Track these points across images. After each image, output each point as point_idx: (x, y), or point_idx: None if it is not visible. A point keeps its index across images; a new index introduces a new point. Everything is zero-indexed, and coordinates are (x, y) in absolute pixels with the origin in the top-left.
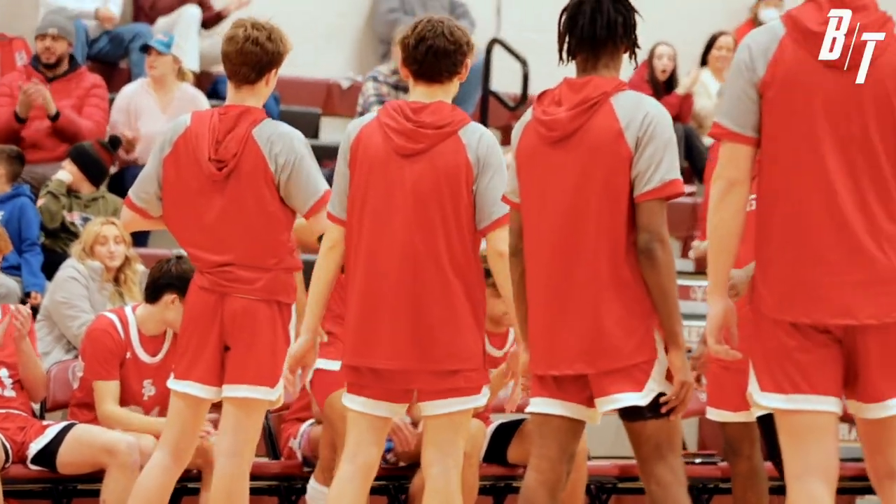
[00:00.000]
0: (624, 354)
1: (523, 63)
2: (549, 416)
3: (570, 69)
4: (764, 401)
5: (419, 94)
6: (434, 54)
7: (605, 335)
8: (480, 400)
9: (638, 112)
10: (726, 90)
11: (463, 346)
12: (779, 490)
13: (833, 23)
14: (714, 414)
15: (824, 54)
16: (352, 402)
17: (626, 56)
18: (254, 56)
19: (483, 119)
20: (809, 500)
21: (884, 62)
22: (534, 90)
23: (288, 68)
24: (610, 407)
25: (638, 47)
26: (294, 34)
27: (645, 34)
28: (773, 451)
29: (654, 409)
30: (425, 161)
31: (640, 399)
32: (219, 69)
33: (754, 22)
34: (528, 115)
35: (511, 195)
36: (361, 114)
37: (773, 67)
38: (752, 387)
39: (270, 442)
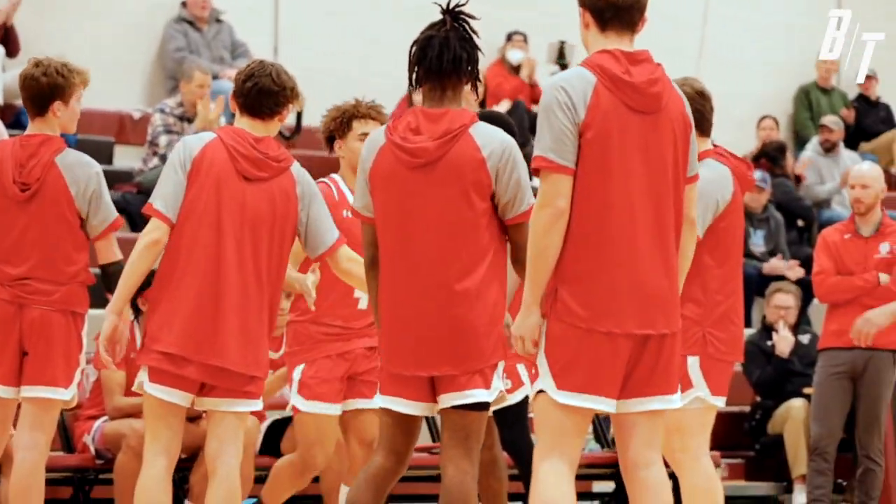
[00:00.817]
0: (485, 356)
1: None
2: (403, 414)
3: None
4: (561, 398)
5: (244, 124)
6: (258, 92)
7: (470, 339)
8: (258, 405)
9: (495, 143)
10: (545, 127)
11: (265, 356)
12: (515, 477)
13: (637, 72)
14: None
15: (635, 101)
16: (161, 392)
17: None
18: (35, 90)
19: None
20: (557, 475)
21: (672, 108)
22: (307, 122)
23: (85, 100)
24: (461, 402)
25: (479, 81)
26: (91, 69)
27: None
28: (509, 442)
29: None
30: (265, 188)
31: (489, 396)
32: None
33: (503, 62)
34: (377, 140)
35: (364, 210)
36: (151, 142)
37: (591, 111)
38: (547, 384)
39: (65, 437)
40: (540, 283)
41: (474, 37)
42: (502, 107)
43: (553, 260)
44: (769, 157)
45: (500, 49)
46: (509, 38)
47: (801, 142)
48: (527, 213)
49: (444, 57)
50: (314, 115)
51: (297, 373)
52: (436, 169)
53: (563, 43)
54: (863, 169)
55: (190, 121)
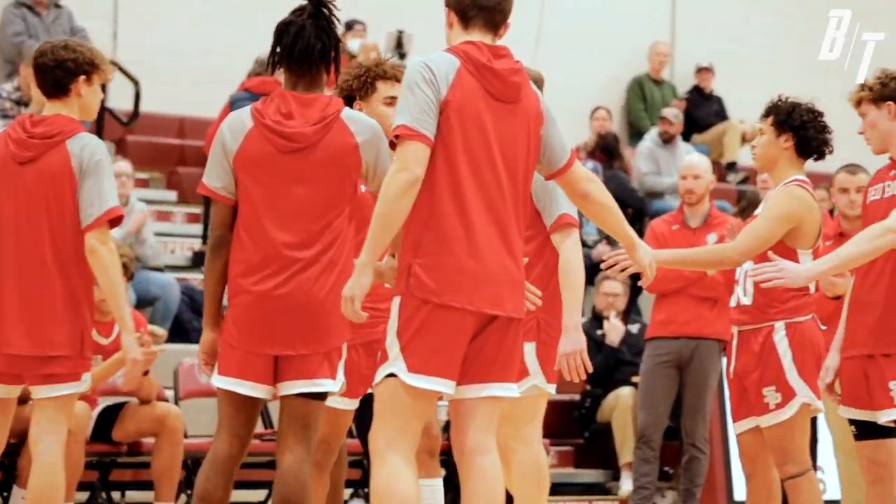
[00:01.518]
0: (334, 335)
1: (136, 83)
2: (246, 397)
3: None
4: (412, 381)
5: (45, 106)
6: (40, 69)
7: (320, 317)
8: (81, 386)
9: (367, 129)
10: (408, 99)
11: (63, 334)
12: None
13: (502, 63)
14: None
15: (495, 87)
16: None
17: None
18: None
19: (99, 132)
20: (405, 462)
21: (528, 102)
22: (145, 108)
23: None
24: (307, 390)
25: (338, 71)
26: None
27: None
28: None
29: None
30: (37, 168)
31: (334, 386)
32: None
33: (344, 51)
34: (243, 122)
35: (223, 191)
36: None
37: (453, 90)
38: (399, 367)
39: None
40: (380, 244)
41: (335, 23)
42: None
43: (397, 225)
44: (605, 148)
45: (341, 37)
46: (350, 27)
47: (634, 133)
48: None
49: (296, 45)
50: (155, 101)
51: None
52: (312, 153)
53: (401, 32)
54: (694, 160)
55: (27, 105)
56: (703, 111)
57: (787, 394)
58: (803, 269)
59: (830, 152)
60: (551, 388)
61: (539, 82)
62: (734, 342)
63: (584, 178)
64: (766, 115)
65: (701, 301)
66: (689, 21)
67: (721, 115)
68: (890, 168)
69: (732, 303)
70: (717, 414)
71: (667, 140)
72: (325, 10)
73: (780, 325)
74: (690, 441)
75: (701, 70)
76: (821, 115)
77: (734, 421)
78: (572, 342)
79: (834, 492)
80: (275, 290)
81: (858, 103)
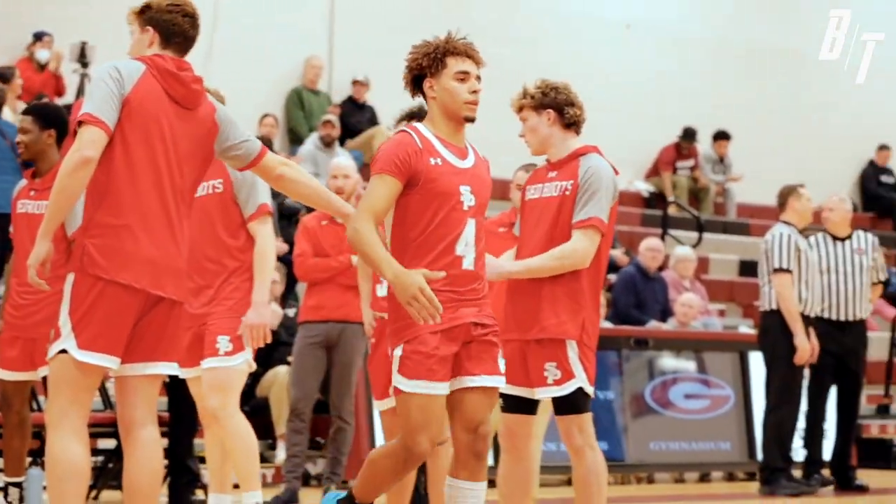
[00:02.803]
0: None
1: None
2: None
3: None
4: (82, 357)
5: None
6: None
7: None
8: None
9: (222, 110)
10: (94, 93)
11: None
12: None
13: (186, 74)
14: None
15: (177, 91)
16: None
17: None
18: None
19: None
20: (77, 434)
21: (204, 112)
22: None
23: None
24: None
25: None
26: None
27: None
28: None
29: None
30: None
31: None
32: None
33: (31, 59)
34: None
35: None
36: None
37: (136, 89)
38: (69, 343)
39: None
40: (56, 218)
41: None
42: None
43: (71, 200)
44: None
45: (28, 47)
46: (38, 37)
47: (295, 138)
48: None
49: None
50: None
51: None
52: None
53: (84, 44)
54: (342, 161)
55: None
56: (356, 119)
57: None
58: (496, 266)
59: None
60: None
61: (221, 99)
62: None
63: (276, 165)
64: (401, 120)
65: (348, 288)
66: (345, 37)
67: (373, 123)
68: (548, 169)
69: (381, 292)
70: (362, 390)
71: (328, 143)
72: None
73: None
74: (338, 414)
75: (356, 83)
76: None
77: (378, 399)
78: (258, 315)
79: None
80: None
81: (520, 109)
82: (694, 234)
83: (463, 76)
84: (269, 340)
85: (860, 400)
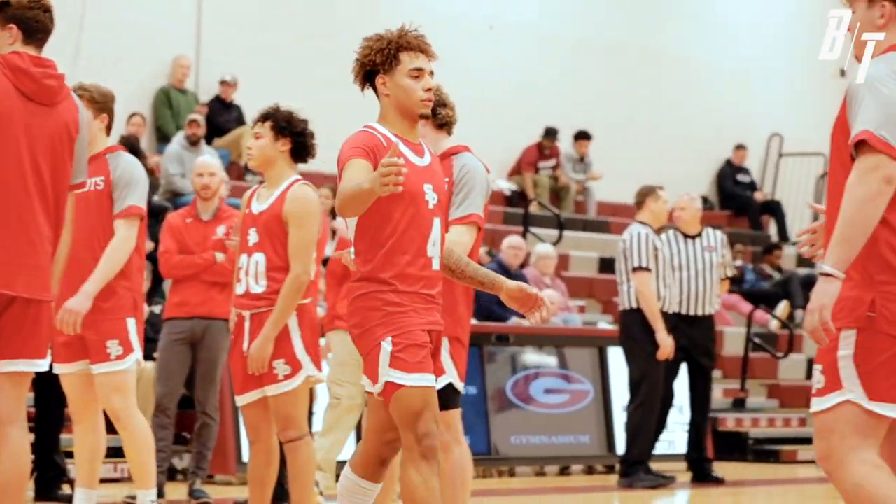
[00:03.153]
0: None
1: None
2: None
3: None
4: None
5: None
6: None
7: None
8: None
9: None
10: None
11: None
12: None
13: (38, 71)
14: None
15: (30, 89)
16: None
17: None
18: None
19: None
20: None
21: (65, 109)
22: None
23: None
24: None
25: None
26: None
27: None
28: None
29: None
30: None
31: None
32: None
33: None
34: None
35: None
36: None
37: None
38: None
39: None
40: None
41: None
42: None
43: None
44: (130, 150)
45: None
46: None
47: (162, 137)
48: None
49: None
50: None
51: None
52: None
53: None
54: (207, 159)
55: None
56: (223, 118)
57: (296, 367)
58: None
59: (314, 157)
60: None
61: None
62: (247, 324)
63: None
64: (264, 119)
65: (212, 285)
66: (213, 37)
67: (240, 122)
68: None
69: (240, 290)
70: (227, 386)
71: (194, 142)
72: None
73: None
74: (203, 409)
75: (223, 83)
76: (308, 122)
77: (238, 394)
78: (77, 304)
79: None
80: None
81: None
82: (555, 232)
83: (417, 73)
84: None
85: (710, 393)
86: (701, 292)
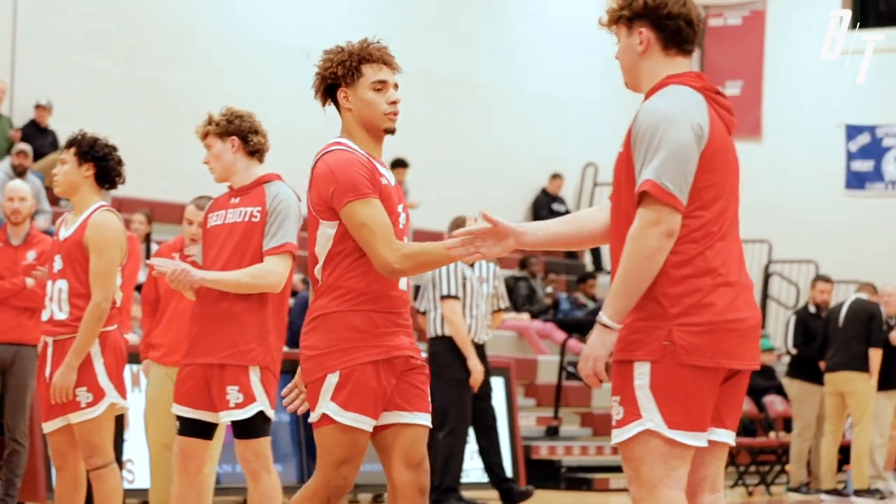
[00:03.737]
0: None
1: None
2: None
3: None
4: None
5: None
6: None
7: None
8: None
9: None
10: None
11: None
12: None
13: None
14: None
15: None
16: None
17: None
18: None
19: None
20: None
21: None
22: None
23: None
24: None
25: None
26: None
27: None
28: None
29: None
30: None
31: None
32: None
33: None
34: None
35: None
36: None
37: None
38: None
39: None
40: None
41: None
42: None
43: None
44: None
45: None
46: None
47: None
48: None
49: None
50: None
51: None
52: None
53: None
54: (17, 184)
55: None
56: (38, 143)
57: (98, 394)
58: (187, 273)
59: (123, 182)
60: None
61: None
62: (49, 350)
63: None
64: (69, 146)
65: (22, 311)
66: (28, 60)
67: (55, 147)
68: (230, 196)
69: (45, 317)
70: (37, 412)
71: (20, 172)
72: None
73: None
74: (12, 436)
75: (39, 107)
76: (116, 148)
77: (45, 420)
78: None
79: (143, 481)
80: None
81: (205, 136)
82: None
83: (380, 86)
84: None
85: (494, 420)
86: (473, 321)
